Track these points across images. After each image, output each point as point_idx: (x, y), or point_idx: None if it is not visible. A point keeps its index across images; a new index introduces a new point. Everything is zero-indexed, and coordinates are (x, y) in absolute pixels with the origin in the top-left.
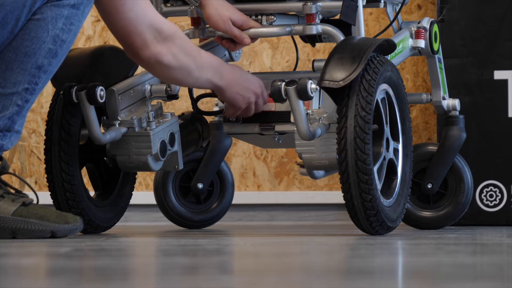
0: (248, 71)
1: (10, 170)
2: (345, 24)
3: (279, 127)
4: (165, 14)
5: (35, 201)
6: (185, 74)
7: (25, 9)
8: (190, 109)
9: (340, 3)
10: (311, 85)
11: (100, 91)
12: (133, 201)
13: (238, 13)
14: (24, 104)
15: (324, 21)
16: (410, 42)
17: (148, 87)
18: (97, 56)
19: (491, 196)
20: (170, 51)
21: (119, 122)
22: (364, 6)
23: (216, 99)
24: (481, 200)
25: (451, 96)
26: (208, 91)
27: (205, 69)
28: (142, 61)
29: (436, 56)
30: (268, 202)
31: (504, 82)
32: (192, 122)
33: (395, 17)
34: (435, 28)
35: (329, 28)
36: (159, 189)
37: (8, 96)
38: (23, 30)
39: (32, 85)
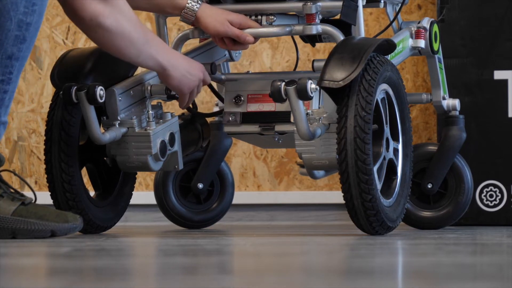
0: (248, 72)
1: (10, 169)
2: (345, 24)
3: (279, 127)
4: None
5: (33, 201)
6: (128, 43)
7: None
8: None
9: (340, 3)
10: (311, 85)
11: (100, 91)
12: (133, 201)
13: (234, 14)
14: (3, 95)
15: (324, 21)
16: (410, 42)
17: (148, 87)
18: (97, 56)
19: (491, 196)
20: (112, 14)
21: (119, 122)
22: (364, 6)
23: (216, 99)
24: (481, 200)
25: (451, 96)
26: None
27: (150, 43)
28: (82, 23)
29: (436, 56)
30: (268, 202)
31: (504, 82)
32: (192, 122)
33: (395, 17)
34: (435, 28)
35: (329, 28)
36: (159, 189)
37: None
38: None
39: (7, 75)
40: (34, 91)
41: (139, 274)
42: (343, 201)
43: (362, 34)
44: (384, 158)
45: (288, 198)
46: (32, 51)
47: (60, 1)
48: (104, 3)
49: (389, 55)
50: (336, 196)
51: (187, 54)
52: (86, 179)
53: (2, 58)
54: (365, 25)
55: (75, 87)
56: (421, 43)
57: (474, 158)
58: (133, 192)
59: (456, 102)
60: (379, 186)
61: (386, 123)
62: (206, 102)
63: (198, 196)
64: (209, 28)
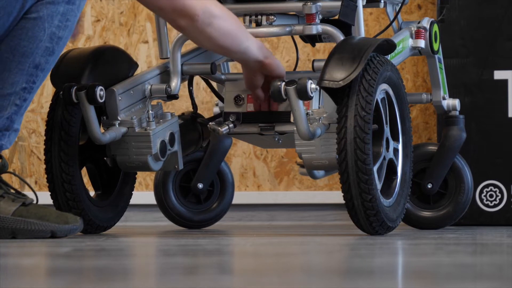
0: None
1: (10, 170)
2: (345, 24)
3: (279, 127)
4: None
5: (35, 201)
6: (236, 26)
7: (17, 4)
8: (190, 109)
9: (339, 3)
10: (311, 85)
11: (100, 91)
12: (133, 201)
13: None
14: (22, 103)
15: (324, 21)
16: (410, 42)
17: (148, 87)
18: (97, 56)
19: (491, 196)
20: (211, 2)
21: (119, 122)
22: (364, 6)
23: (216, 99)
24: (481, 200)
25: (451, 96)
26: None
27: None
28: (197, 21)
29: (436, 56)
30: (268, 202)
31: (504, 82)
32: (192, 122)
33: (395, 17)
34: (435, 28)
35: (329, 28)
36: (159, 189)
37: (6, 97)
38: (20, 30)
39: (30, 84)
40: None
41: (139, 274)
42: (343, 201)
43: (362, 34)
44: (384, 158)
45: (288, 198)
46: None
47: (168, 18)
48: None
49: (389, 55)
50: (336, 196)
51: (187, 54)
52: (86, 179)
53: (30, 66)
54: (365, 25)
55: (75, 87)
56: (421, 43)
57: (474, 158)
58: (133, 192)
59: (456, 102)
60: (379, 186)
61: (386, 123)
62: (206, 102)
63: (198, 196)
64: None
